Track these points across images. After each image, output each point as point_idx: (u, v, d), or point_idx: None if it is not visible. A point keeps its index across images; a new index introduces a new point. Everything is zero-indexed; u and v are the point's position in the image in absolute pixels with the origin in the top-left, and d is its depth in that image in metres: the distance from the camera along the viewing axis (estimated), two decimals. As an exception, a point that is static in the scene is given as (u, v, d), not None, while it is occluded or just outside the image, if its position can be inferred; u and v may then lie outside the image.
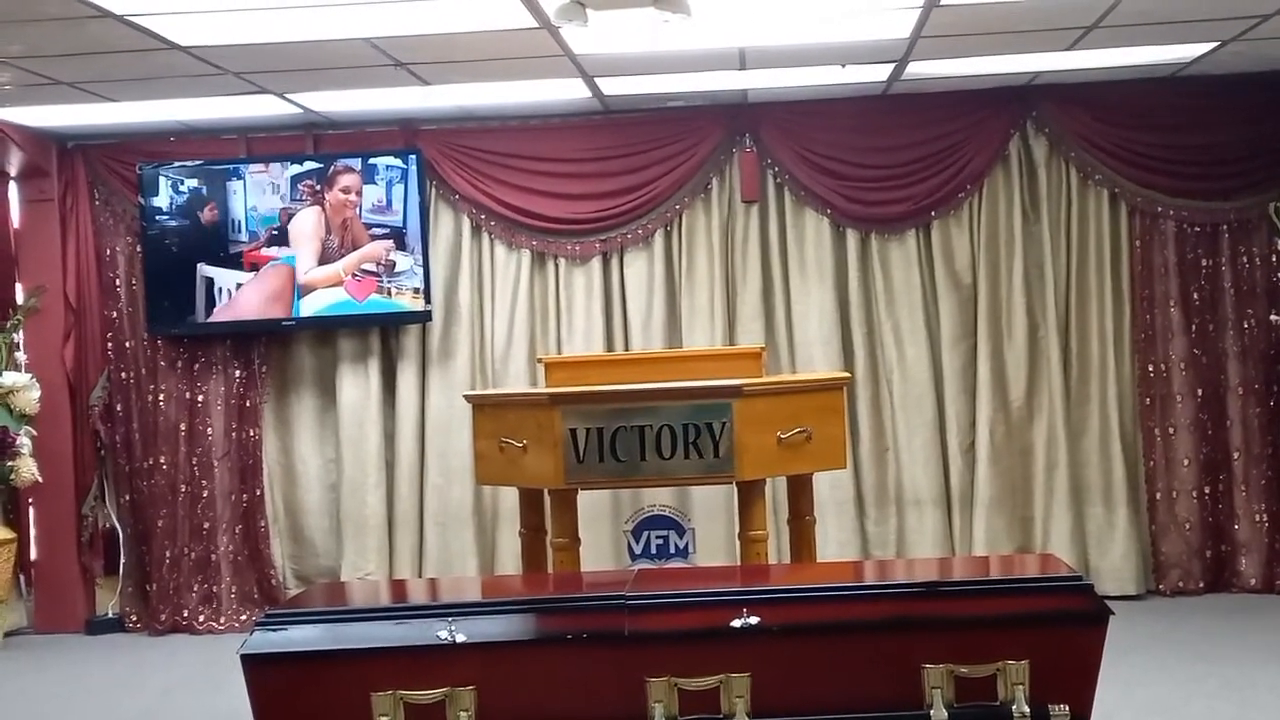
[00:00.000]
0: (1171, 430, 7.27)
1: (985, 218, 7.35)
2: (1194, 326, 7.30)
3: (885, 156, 7.38)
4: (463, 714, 3.48)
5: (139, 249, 7.58)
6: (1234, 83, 7.10)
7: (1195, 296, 7.30)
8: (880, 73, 6.79)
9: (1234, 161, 7.22)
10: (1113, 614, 3.54)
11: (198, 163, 7.51)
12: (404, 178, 7.33)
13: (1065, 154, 7.32)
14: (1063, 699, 3.46)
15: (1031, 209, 7.38)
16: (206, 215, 7.46)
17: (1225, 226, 7.27)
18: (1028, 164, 7.38)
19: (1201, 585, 7.22)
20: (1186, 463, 7.25)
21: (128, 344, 7.67)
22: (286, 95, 6.79)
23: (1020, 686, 3.45)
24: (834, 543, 7.13)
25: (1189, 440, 7.26)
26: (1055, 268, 7.33)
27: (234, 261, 7.46)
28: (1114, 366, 7.30)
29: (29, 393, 7.22)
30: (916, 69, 6.69)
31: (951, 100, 7.29)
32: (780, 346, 7.41)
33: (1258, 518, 7.21)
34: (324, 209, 7.36)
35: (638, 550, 6.23)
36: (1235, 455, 7.24)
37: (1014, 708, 3.44)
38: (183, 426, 7.58)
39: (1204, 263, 7.30)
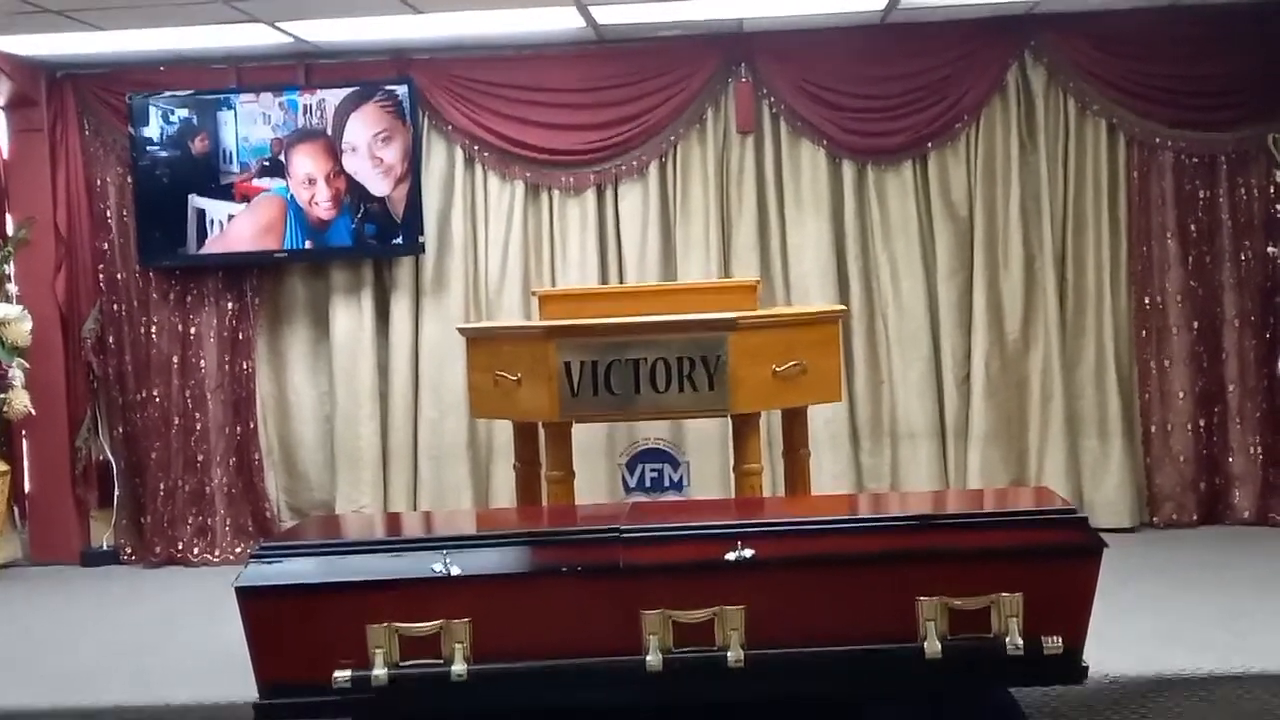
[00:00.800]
0: (1167, 363, 7.26)
1: (982, 149, 7.30)
2: (1191, 258, 7.27)
3: (882, 87, 7.32)
4: (458, 646, 3.49)
5: (129, 180, 7.52)
6: (1235, 12, 7.03)
7: (1193, 228, 7.26)
8: (878, 1, 6.72)
9: (1234, 93, 7.16)
10: (1107, 546, 3.55)
11: (188, 93, 7.44)
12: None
13: (1064, 84, 7.26)
14: (1056, 631, 3.48)
15: (1029, 140, 7.33)
16: (197, 146, 7.40)
17: (1224, 158, 7.22)
18: (1025, 95, 7.32)
19: (1195, 518, 7.24)
20: (1182, 395, 7.25)
21: (119, 276, 7.63)
22: (277, 24, 6.72)
23: (1014, 619, 3.46)
24: (829, 476, 7.13)
25: (1184, 373, 7.25)
26: (1052, 199, 7.29)
27: (225, 193, 7.41)
28: (1110, 299, 7.28)
29: (21, 325, 7.20)
30: (914, -2, 6.63)
31: (949, 30, 7.21)
32: (775, 279, 7.38)
33: (1252, 450, 7.22)
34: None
35: (632, 483, 6.23)
36: (1230, 388, 7.23)
37: (1007, 640, 3.46)
38: (175, 359, 7.56)
39: (1202, 194, 7.26)
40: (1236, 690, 4.76)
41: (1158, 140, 7.22)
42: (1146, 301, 7.26)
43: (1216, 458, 7.28)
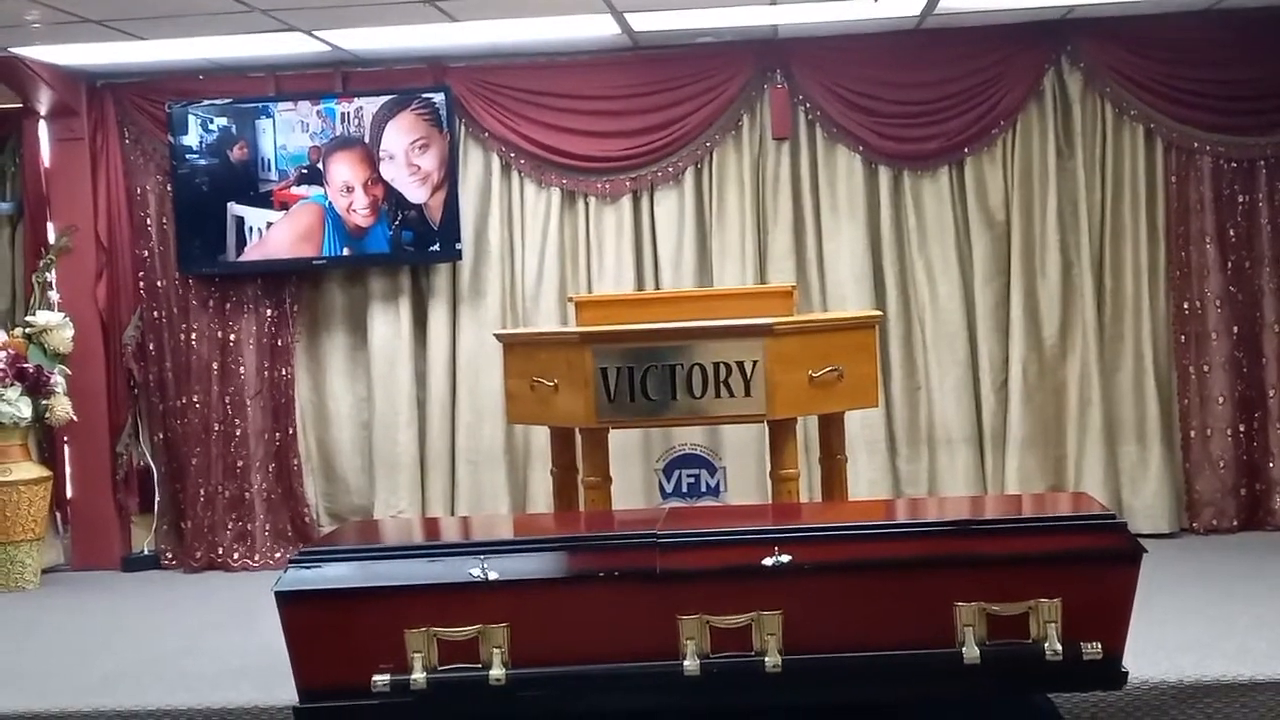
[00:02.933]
0: (1206, 368, 7.21)
1: (1019, 154, 7.28)
2: (1230, 263, 7.22)
3: (918, 92, 7.31)
4: (495, 650, 3.50)
5: (169, 188, 7.58)
6: (1273, 15, 6.98)
7: (1231, 233, 7.22)
8: (913, 7, 6.71)
9: (1272, 96, 7.11)
10: (1146, 552, 3.53)
11: (226, 101, 7.49)
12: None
13: (1100, 89, 7.24)
14: (1095, 637, 3.47)
15: (1066, 145, 7.30)
16: (236, 154, 7.45)
17: (1263, 162, 7.18)
18: (1062, 100, 7.30)
19: (1235, 523, 7.19)
20: (1221, 400, 7.20)
21: (159, 283, 7.69)
22: (314, 32, 6.77)
23: (1053, 625, 3.45)
24: (865, 481, 7.12)
25: (1223, 378, 7.21)
26: (1090, 204, 7.26)
27: (264, 200, 7.46)
28: (1148, 304, 7.24)
29: (62, 331, 7.27)
30: (949, 3, 6.61)
31: (985, 35, 7.20)
32: (812, 285, 7.37)
33: (1292, 455, 7.18)
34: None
35: (669, 489, 6.25)
36: (1270, 393, 7.19)
37: (1046, 645, 3.44)
38: (215, 365, 7.61)
39: (1240, 199, 7.22)
40: (1276, 697, 4.73)
41: (1195, 145, 7.18)
42: (1185, 307, 7.23)
43: (1257, 463, 7.23)
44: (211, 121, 7.46)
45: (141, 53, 7.04)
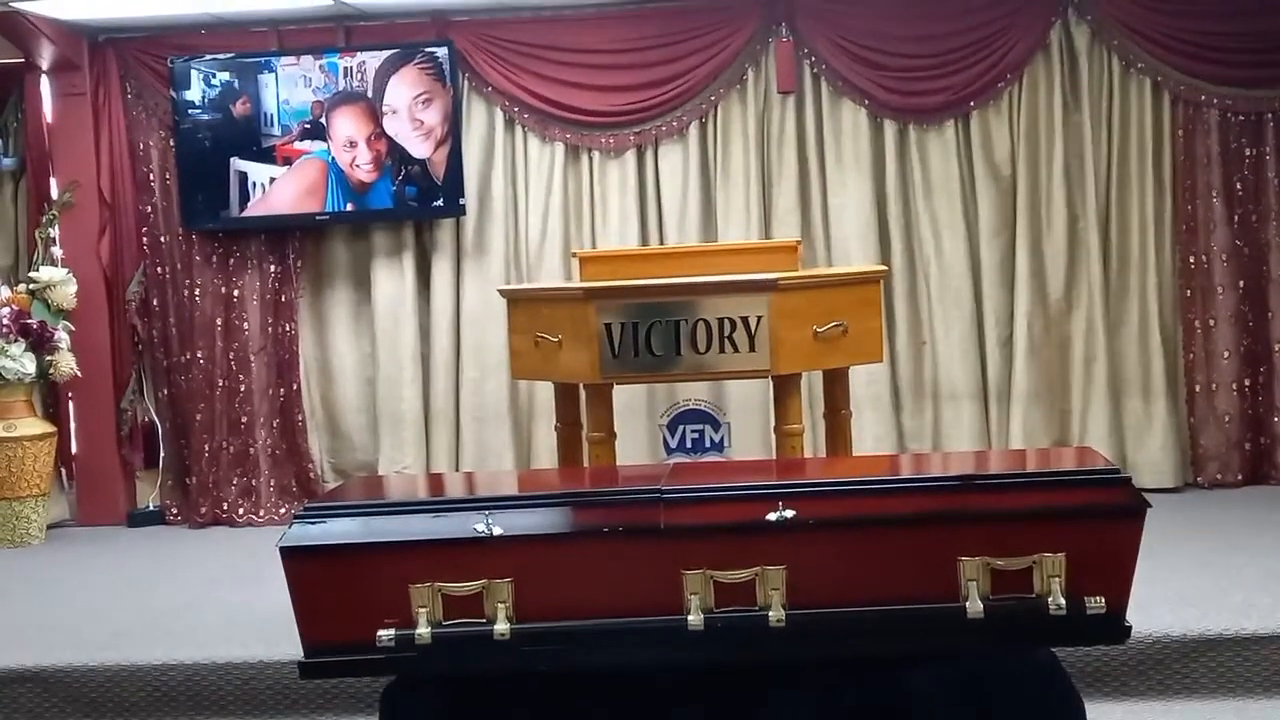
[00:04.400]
0: (1212, 322, 7.20)
1: (1025, 108, 7.24)
2: (1236, 217, 7.20)
3: (924, 46, 7.27)
4: (500, 605, 3.51)
5: (172, 143, 7.57)
6: (1282, -33, 6.95)
7: (1238, 187, 7.19)
8: (919, -41, 6.67)
9: (1281, 49, 7.08)
10: (1150, 506, 3.52)
11: (229, 56, 7.46)
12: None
13: (1107, 42, 7.19)
14: (1099, 591, 3.46)
15: (1072, 99, 7.26)
16: (239, 109, 7.43)
17: (1270, 115, 7.14)
18: (1069, 53, 7.26)
19: (1240, 477, 7.20)
20: (1226, 355, 7.19)
21: (163, 239, 7.68)
22: (317, -14, 6.74)
23: (1057, 579, 3.44)
24: (870, 437, 7.12)
25: (1229, 333, 7.20)
26: (1096, 159, 7.23)
27: (267, 155, 7.44)
28: (1154, 258, 7.22)
29: (66, 287, 7.28)
30: (956, -45, 6.57)
31: (992, -13, 7.16)
32: (816, 240, 7.36)
33: (1297, 410, 7.17)
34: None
35: (673, 444, 6.23)
36: (1276, 348, 7.17)
37: (1050, 600, 3.44)
38: (219, 321, 7.61)
39: (1248, 152, 7.19)
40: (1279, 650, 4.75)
41: (1203, 98, 7.14)
42: (1191, 261, 7.20)
43: (1262, 418, 7.23)
44: (214, 76, 7.43)
45: (143, 7, 7.01)
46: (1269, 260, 7.17)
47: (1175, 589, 5.21)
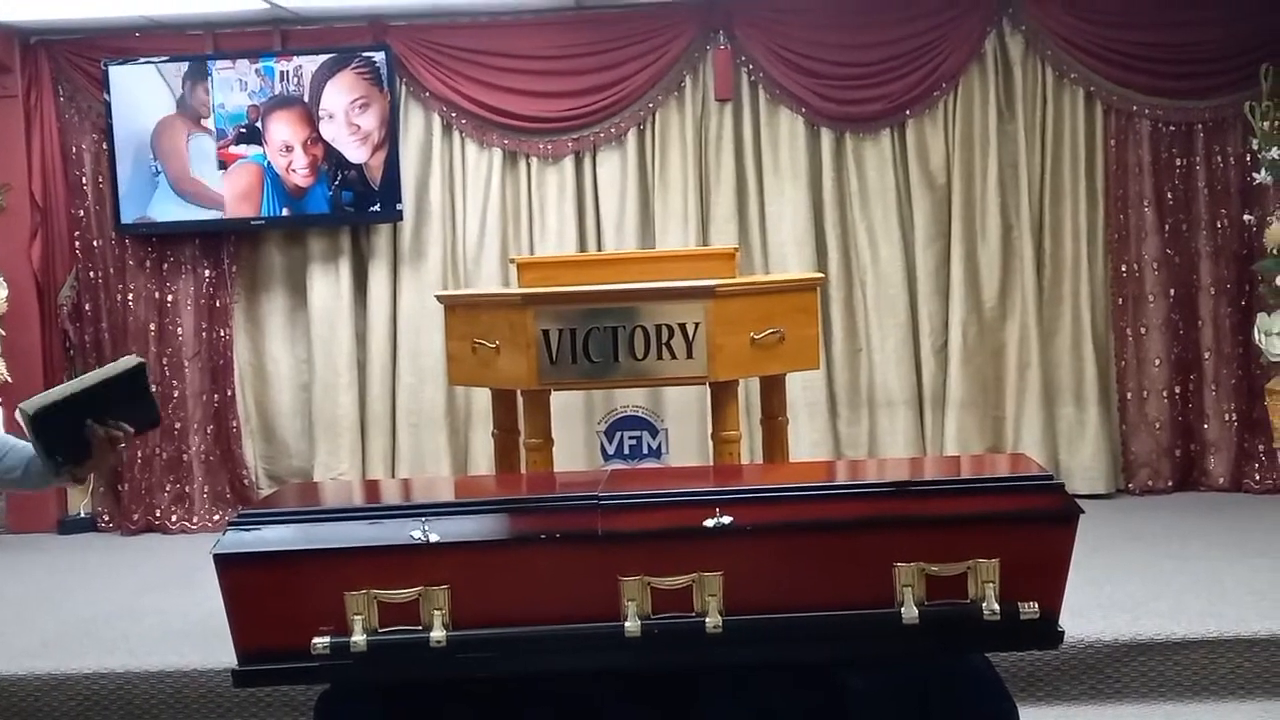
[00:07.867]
0: (1143, 330, 7.29)
1: (960, 117, 7.31)
2: (1168, 226, 7.29)
3: (861, 54, 7.31)
4: (436, 612, 3.49)
5: (105, 146, 7.48)
6: (1213, -20, 7.04)
7: (1169, 196, 7.29)
8: (856, -31, 6.71)
9: (1211, 60, 7.17)
10: (1083, 512, 3.55)
11: (164, 59, 7.39)
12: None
13: (1041, 52, 7.27)
14: (1032, 597, 3.48)
15: (1007, 108, 7.34)
16: (173, 112, 7.36)
17: (1200, 126, 7.24)
18: (1003, 63, 7.33)
19: (1170, 484, 7.29)
20: (1158, 362, 7.28)
21: (95, 243, 7.60)
22: (253, -10, 6.69)
23: (991, 584, 3.46)
24: (807, 443, 7.15)
25: (1160, 340, 7.29)
26: (1030, 167, 7.30)
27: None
28: (1087, 266, 7.30)
29: (-4, 292, 7.19)
30: (893, -35, 6.62)
31: (928, -3, 7.22)
32: (754, 247, 7.38)
33: (1227, 417, 7.26)
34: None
35: (611, 451, 6.26)
36: (1206, 355, 7.27)
37: (984, 605, 3.46)
38: (152, 326, 7.54)
39: (1178, 162, 7.28)
40: (1209, 654, 4.80)
41: (1135, 108, 7.23)
42: (1123, 269, 7.29)
43: (1192, 424, 7.33)
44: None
45: (76, 9, 6.94)
46: (1199, 269, 7.27)
47: (1107, 594, 5.27)
